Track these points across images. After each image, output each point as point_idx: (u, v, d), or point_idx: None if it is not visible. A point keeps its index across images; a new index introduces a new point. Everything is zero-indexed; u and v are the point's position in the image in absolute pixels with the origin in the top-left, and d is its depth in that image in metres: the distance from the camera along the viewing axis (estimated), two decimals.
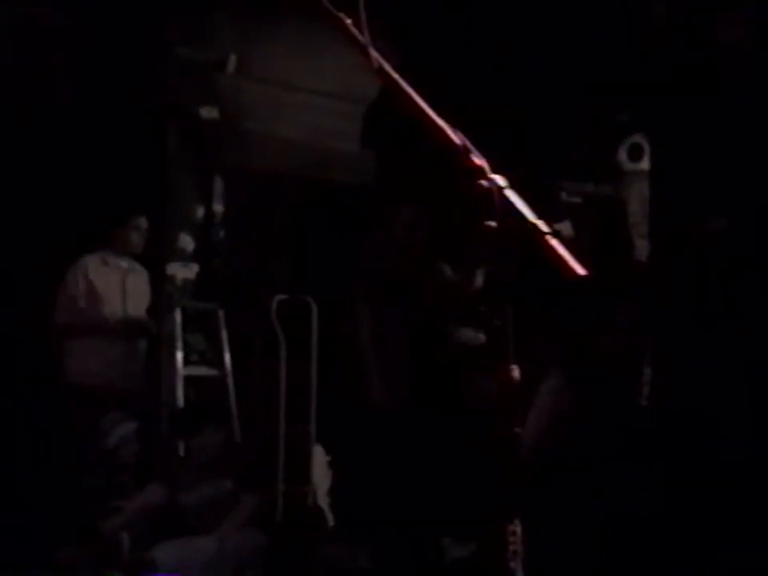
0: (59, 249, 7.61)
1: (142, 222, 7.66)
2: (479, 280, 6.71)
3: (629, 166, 8.54)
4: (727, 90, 6.36)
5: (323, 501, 7.62)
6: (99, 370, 7.36)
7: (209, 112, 8.76)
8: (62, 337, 7.50)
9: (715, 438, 5.43)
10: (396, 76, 2.06)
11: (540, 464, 4.93)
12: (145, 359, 7.78)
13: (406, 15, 8.19)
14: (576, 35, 8.16)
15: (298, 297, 8.21)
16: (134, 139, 8.21)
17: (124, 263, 7.68)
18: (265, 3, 8.50)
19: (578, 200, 8.41)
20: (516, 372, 1.87)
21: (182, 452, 7.20)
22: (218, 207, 9.02)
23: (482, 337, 6.78)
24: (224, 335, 8.56)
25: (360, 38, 2.11)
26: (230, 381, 8.49)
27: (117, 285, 7.62)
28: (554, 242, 1.82)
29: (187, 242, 8.78)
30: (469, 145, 1.96)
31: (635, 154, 8.50)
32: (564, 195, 8.26)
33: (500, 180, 1.91)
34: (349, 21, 2.14)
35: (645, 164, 8.44)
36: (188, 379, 8.34)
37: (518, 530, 1.89)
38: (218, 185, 9.00)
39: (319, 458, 7.70)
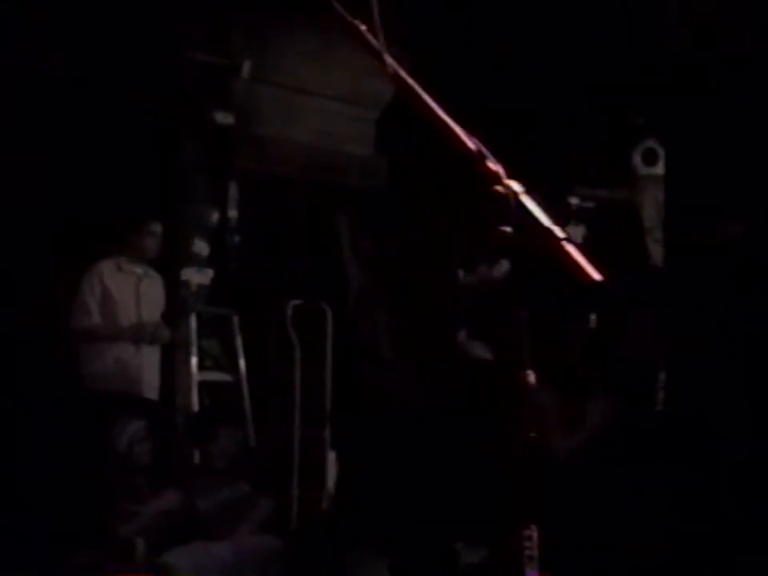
0: (75, 255, 7.62)
1: (157, 228, 7.67)
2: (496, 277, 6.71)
3: (643, 170, 8.54)
4: (743, 93, 6.35)
5: (339, 505, 7.62)
6: (114, 376, 7.38)
7: (224, 117, 8.77)
8: (76, 342, 7.51)
9: (735, 443, 5.41)
10: (411, 81, 2.07)
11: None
12: (159, 364, 7.78)
13: (418, 20, 8.19)
14: (589, 38, 8.16)
15: (312, 302, 8.22)
16: (149, 144, 8.22)
17: (139, 269, 7.69)
18: (279, 9, 8.50)
19: (591, 205, 8.41)
20: (532, 377, 1.87)
21: (197, 457, 7.20)
22: (233, 212, 9.03)
23: (489, 355, 6.79)
24: (238, 340, 8.57)
25: (375, 44, 2.12)
26: (245, 386, 8.49)
27: (131, 290, 7.63)
28: (570, 248, 1.83)
29: (202, 247, 8.79)
30: (484, 150, 1.96)
31: (649, 158, 8.49)
32: (578, 200, 8.26)
33: (515, 185, 1.91)
34: (363, 27, 2.14)
35: (659, 168, 8.43)
36: (203, 384, 8.35)
37: (534, 534, 1.89)
38: (233, 190, 9.00)
39: (334, 462, 7.71)
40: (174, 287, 8.30)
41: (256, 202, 9.00)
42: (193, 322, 8.42)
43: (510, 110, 8.16)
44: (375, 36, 2.11)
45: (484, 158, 1.96)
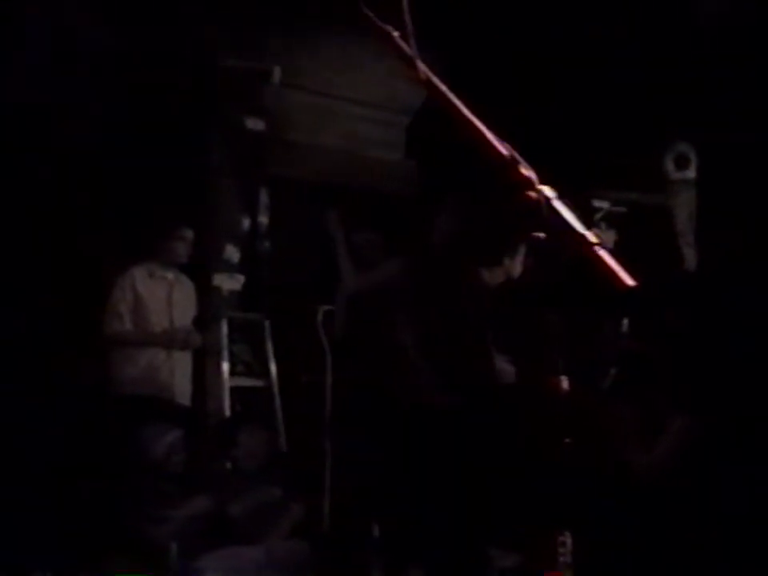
0: (107, 261, 7.66)
1: (188, 234, 7.68)
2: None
3: (675, 174, 8.50)
4: None
5: (369, 510, 7.61)
6: (145, 381, 7.39)
7: (254, 123, 8.79)
8: (108, 348, 7.53)
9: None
10: (443, 87, 2.06)
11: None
12: (191, 370, 7.80)
13: (450, 25, 8.18)
14: (622, 41, 8.14)
15: None
16: (180, 150, 8.25)
17: (170, 274, 7.70)
18: (310, 14, 8.52)
19: (623, 209, 8.38)
20: (565, 383, 1.86)
21: (228, 462, 7.21)
22: (264, 218, 9.04)
23: (511, 371, 6.77)
24: (269, 346, 8.59)
25: (407, 49, 2.11)
26: (276, 391, 8.51)
27: (163, 296, 7.64)
28: (603, 253, 1.82)
29: (233, 252, 8.81)
30: (517, 156, 1.96)
31: (681, 162, 8.45)
32: (609, 204, 8.24)
33: (548, 191, 1.91)
34: (396, 33, 2.14)
35: (691, 172, 8.39)
36: (234, 390, 8.37)
37: (568, 541, 1.89)
38: (264, 195, 9.02)
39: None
40: (205, 293, 8.31)
41: (286, 208, 9.01)
42: (224, 327, 8.44)
43: (540, 114, 8.15)
44: (407, 41, 2.11)
45: (517, 163, 1.96)
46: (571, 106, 8.42)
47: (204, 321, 8.13)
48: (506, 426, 6.44)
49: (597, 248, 1.84)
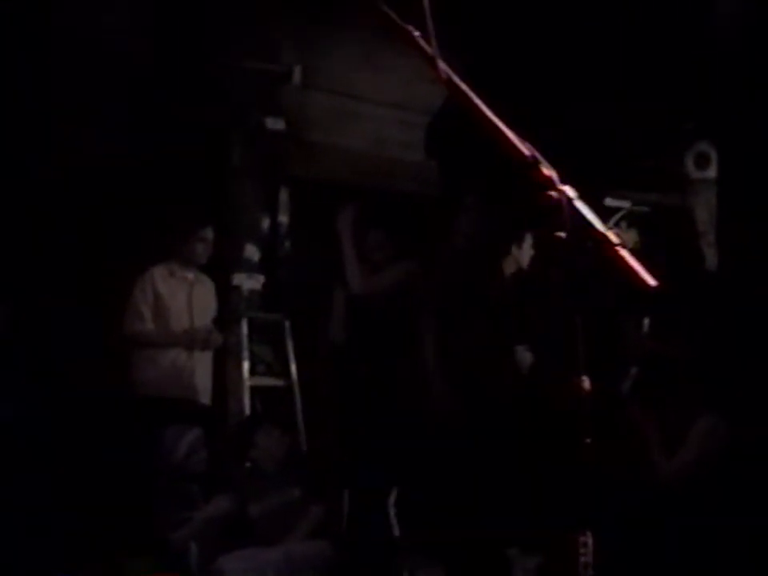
0: (127, 261, 7.67)
1: (208, 234, 7.68)
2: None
3: (695, 174, 8.47)
4: None
5: (390, 511, 7.61)
6: (166, 381, 7.39)
7: (274, 123, 8.80)
8: (129, 348, 7.54)
9: None
10: (464, 87, 2.06)
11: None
12: (211, 370, 7.80)
13: (469, 25, 8.18)
14: (642, 41, 8.11)
15: None
16: (201, 151, 8.26)
17: (190, 274, 7.70)
18: (329, 15, 8.52)
19: (643, 209, 8.35)
20: (587, 383, 1.86)
21: (248, 463, 7.21)
22: (284, 218, 9.05)
23: (529, 357, 6.76)
24: (290, 345, 8.59)
25: (427, 49, 2.11)
26: (297, 391, 8.51)
27: (183, 296, 7.65)
28: (625, 253, 1.82)
29: (253, 252, 8.82)
30: (538, 155, 1.96)
31: (702, 162, 8.43)
32: (630, 205, 8.22)
33: (569, 191, 1.91)
34: (417, 33, 2.14)
35: (711, 172, 8.37)
36: (254, 389, 8.37)
37: (589, 541, 1.88)
38: (284, 195, 9.03)
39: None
40: (225, 292, 8.32)
41: (307, 208, 9.02)
42: (244, 327, 8.44)
43: (557, 114, 8.13)
44: (428, 41, 2.11)
45: (537, 163, 1.95)
46: (592, 106, 8.40)
47: (224, 320, 8.13)
48: (522, 428, 6.44)
49: (618, 248, 1.84)
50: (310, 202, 8.99)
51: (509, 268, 7.11)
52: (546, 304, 6.32)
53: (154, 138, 8.09)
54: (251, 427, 7.40)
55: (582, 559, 1.86)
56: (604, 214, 7.79)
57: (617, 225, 8.07)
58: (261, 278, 8.81)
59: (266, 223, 8.98)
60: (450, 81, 2.06)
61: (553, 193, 1.89)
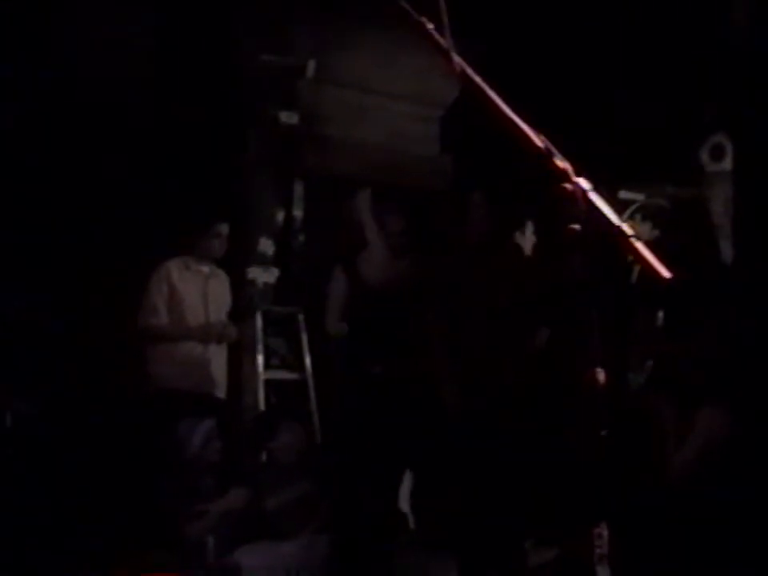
0: (141, 255, 7.68)
1: (224, 229, 7.67)
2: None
3: (711, 166, 8.45)
4: None
5: (404, 504, 7.62)
6: (182, 375, 7.40)
7: (289, 117, 8.81)
8: (145, 342, 7.55)
9: None
10: (478, 79, 2.06)
11: (692, 490, 4.87)
12: (226, 363, 7.82)
13: (487, 16, 8.17)
14: (656, 32, 8.10)
15: None
16: (215, 145, 8.28)
17: (205, 268, 7.70)
18: (344, 9, 8.53)
19: (659, 202, 8.33)
20: (602, 376, 1.86)
21: (263, 456, 7.23)
22: (298, 211, 9.06)
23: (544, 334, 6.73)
24: (304, 338, 8.61)
25: (442, 42, 2.11)
26: (311, 384, 8.53)
27: (199, 290, 7.65)
28: (639, 245, 1.82)
29: (267, 246, 8.84)
30: (552, 148, 1.96)
31: (717, 153, 8.40)
32: (645, 197, 8.20)
33: (584, 183, 1.90)
34: (431, 25, 2.14)
35: (727, 164, 8.34)
36: (269, 383, 8.39)
37: (604, 533, 1.88)
38: (298, 189, 9.04)
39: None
40: (240, 286, 8.34)
41: (321, 202, 9.02)
42: (259, 320, 8.46)
43: (572, 106, 8.12)
44: (442, 34, 2.11)
45: (552, 155, 1.95)
46: (606, 98, 8.39)
47: (239, 314, 8.14)
48: (537, 424, 6.43)
49: (633, 240, 1.84)
50: (324, 196, 9.00)
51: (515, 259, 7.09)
52: (559, 299, 6.31)
53: (169, 132, 8.11)
54: (268, 420, 7.42)
55: (598, 551, 1.86)
56: (618, 206, 7.77)
57: (631, 217, 8.06)
58: (275, 272, 8.83)
59: (280, 217, 9.00)
60: (464, 73, 2.05)
61: (567, 185, 1.89)
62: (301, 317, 8.63)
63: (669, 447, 5.24)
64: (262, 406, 8.22)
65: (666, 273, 1.81)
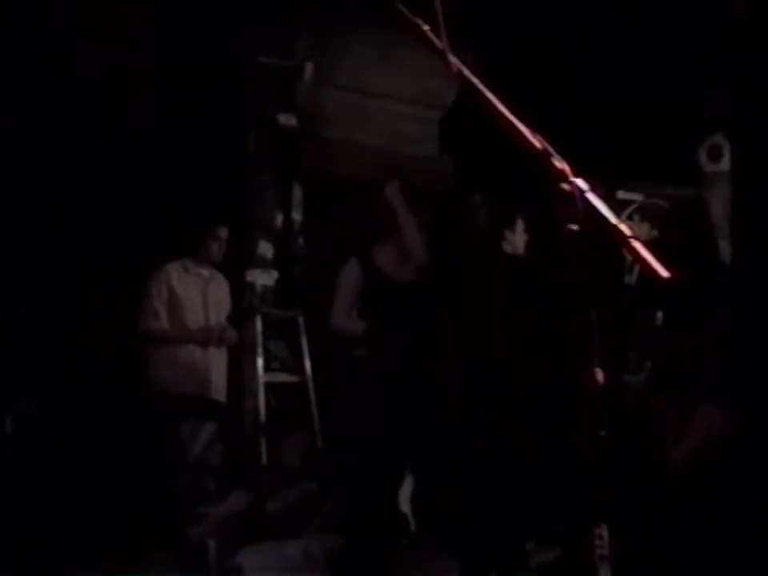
0: (141, 258, 7.68)
1: (223, 233, 7.68)
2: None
3: (709, 167, 8.46)
4: None
5: (405, 506, 7.62)
6: (182, 378, 7.41)
7: (287, 119, 8.81)
8: (144, 345, 7.55)
9: None
10: (475, 80, 2.06)
11: (691, 487, 4.87)
12: (226, 366, 7.82)
13: (484, 18, 8.18)
14: (656, 32, 8.10)
15: None
16: (215, 148, 8.28)
17: (205, 271, 7.71)
18: (342, 11, 8.53)
19: (657, 202, 8.34)
20: (600, 375, 1.86)
21: (264, 458, 7.23)
22: (297, 214, 9.06)
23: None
24: (304, 341, 8.60)
25: (438, 43, 2.11)
26: (311, 387, 8.52)
27: (198, 293, 7.66)
28: (638, 245, 1.82)
29: (267, 249, 8.83)
30: (550, 148, 1.96)
31: (715, 154, 8.41)
32: (643, 197, 8.21)
33: (582, 183, 1.91)
34: (426, 27, 2.14)
35: (725, 164, 8.35)
36: (269, 386, 8.38)
37: (605, 533, 1.88)
38: (297, 192, 9.03)
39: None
40: (239, 289, 8.33)
41: (320, 204, 9.02)
42: (258, 323, 8.45)
43: (571, 105, 8.12)
44: (438, 36, 2.11)
45: (549, 156, 1.95)
46: (604, 98, 8.39)
47: (239, 317, 8.14)
48: (537, 424, 6.44)
49: (631, 240, 1.84)
50: (323, 199, 9.00)
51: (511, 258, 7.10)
52: (559, 298, 6.31)
53: (168, 134, 8.11)
54: (270, 423, 7.43)
55: (598, 552, 1.87)
56: (616, 206, 7.78)
57: (629, 217, 8.07)
58: (275, 275, 8.83)
59: (279, 219, 8.99)
60: (461, 74, 2.06)
61: (565, 185, 1.89)
62: (301, 319, 8.62)
63: (669, 447, 5.24)
64: (262, 409, 8.21)
65: (664, 273, 1.81)
